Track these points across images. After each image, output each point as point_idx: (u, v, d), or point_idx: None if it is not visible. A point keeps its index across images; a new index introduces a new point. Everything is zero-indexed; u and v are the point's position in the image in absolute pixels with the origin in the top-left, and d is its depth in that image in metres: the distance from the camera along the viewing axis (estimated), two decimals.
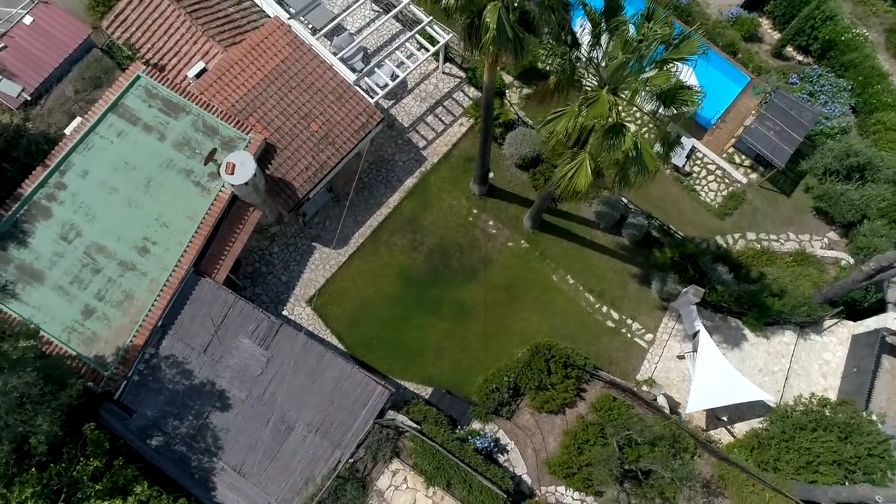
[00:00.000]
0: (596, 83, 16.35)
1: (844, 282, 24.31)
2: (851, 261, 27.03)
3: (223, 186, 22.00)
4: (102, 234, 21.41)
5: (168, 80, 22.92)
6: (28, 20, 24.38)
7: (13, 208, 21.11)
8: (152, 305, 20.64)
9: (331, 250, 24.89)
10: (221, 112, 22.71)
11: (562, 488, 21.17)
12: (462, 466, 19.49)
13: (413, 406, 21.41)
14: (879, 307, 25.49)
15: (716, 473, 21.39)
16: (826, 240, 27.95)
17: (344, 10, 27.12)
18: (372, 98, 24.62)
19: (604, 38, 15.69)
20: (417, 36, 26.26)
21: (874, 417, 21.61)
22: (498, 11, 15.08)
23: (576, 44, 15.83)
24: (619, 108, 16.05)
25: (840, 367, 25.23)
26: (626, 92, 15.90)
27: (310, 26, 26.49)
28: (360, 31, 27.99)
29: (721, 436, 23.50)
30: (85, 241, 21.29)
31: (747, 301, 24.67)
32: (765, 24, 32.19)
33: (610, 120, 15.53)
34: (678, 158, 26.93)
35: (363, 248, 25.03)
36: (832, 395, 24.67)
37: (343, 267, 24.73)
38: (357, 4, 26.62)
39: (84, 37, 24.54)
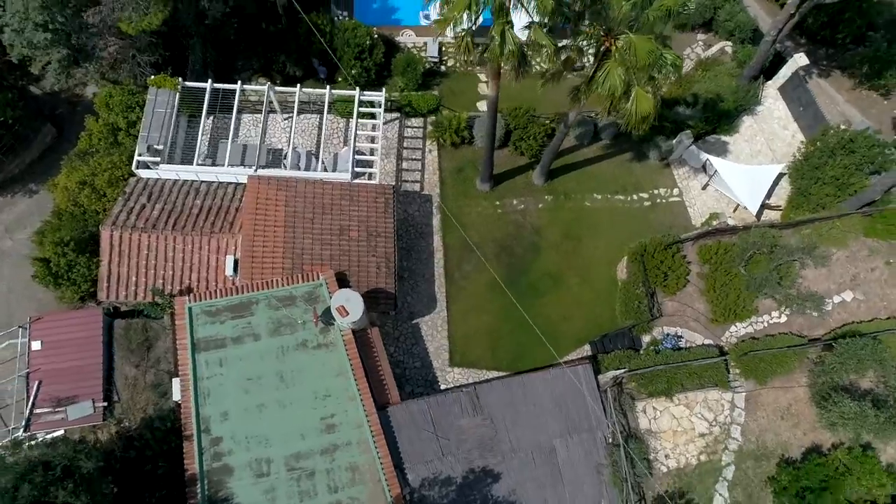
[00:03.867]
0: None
1: (756, 59, 30.17)
2: (730, 43, 33.03)
3: (342, 330, 22.78)
4: (286, 444, 21.56)
5: (212, 290, 22.83)
6: (37, 345, 22.77)
7: (198, 493, 20.62)
8: (380, 459, 21.45)
9: (431, 315, 26.51)
10: (282, 280, 23.15)
11: (734, 327, 25.35)
12: (681, 367, 22.92)
13: (603, 363, 24.23)
14: (779, 60, 31.85)
15: (803, 238, 26.51)
16: (701, 43, 33.88)
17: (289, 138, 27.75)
18: (373, 178, 26.01)
19: None
20: (357, 108, 27.72)
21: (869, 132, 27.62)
22: (503, 28, 17.60)
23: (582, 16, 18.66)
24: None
25: (789, 115, 31.46)
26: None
27: (285, 168, 27.04)
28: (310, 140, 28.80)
29: (778, 213, 28.81)
30: (279, 462, 21.36)
31: (711, 120, 29.88)
32: None
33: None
34: None
35: (450, 294, 26.87)
36: (801, 137, 30.89)
37: (450, 320, 26.49)
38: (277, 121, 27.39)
39: (99, 320, 23.39)
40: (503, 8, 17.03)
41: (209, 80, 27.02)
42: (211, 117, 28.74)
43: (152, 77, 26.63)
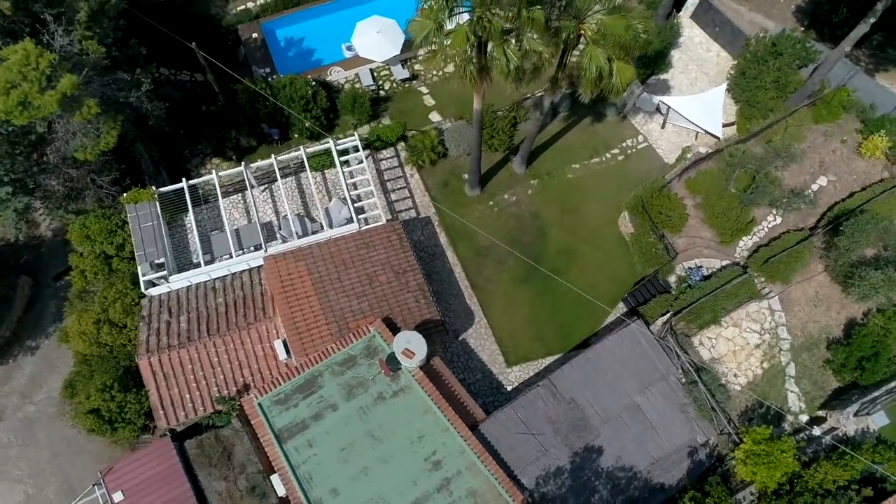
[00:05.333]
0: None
1: None
2: None
3: (410, 371, 23.23)
4: (402, 496, 21.86)
5: (272, 379, 22.75)
6: (118, 497, 22.02)
7: None
8: (493, 476, 22.16)
9: (472, 327, 27.28)
10: (335, 345, 23.30)
11: (742, 242, 27.40)
12: (718, 295, 24.75)
13: (646, 314, 25.74)
14: None
15: (775, 143, 28.74)
16: None
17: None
18: (378, 219, 26.39)
19: None
20: (338, 157, 27.88)
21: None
22: (504, 48, 18.54)
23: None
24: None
25: (708, 38, 33.87)
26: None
27: (286, 241, 26.88)
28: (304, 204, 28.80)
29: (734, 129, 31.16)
30: None
31: (648, 64, 31.85)
32: None
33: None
34: None
35: (482, 301, 27.68)
36: (724, 54, 33.34)
37: (492, 324, 27.33)
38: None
39: (171, 449, 22.81)
40: (502, 30, 17.82)
41: (184, 179, 26.46)
42: (187, 214, 28.16)
43: (124, 195, 25.84)
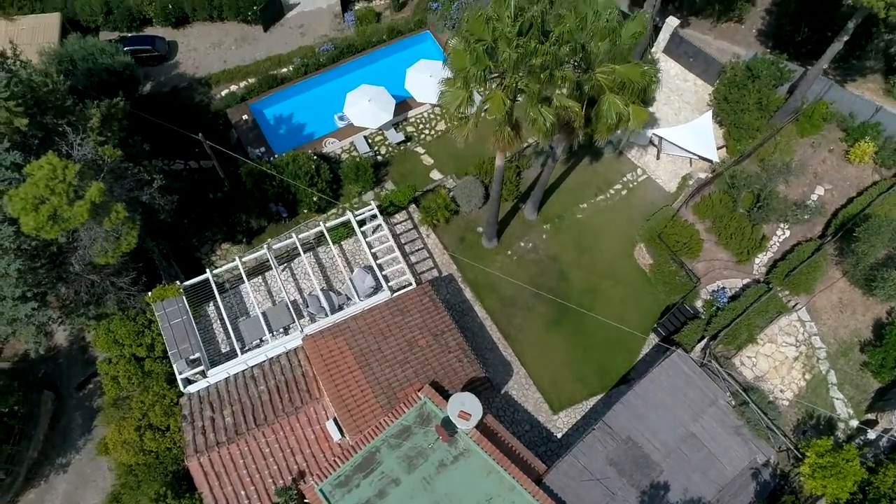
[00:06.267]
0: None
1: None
2: None
3: (467, 433, 23.01)
4: None
5: (328, 462, 22.27)
6: None
7: None
8: None
9: (513, 378, 27.26)
10: (388, 418, 22.99)
11: (758, 259, 28.31)
12: (750, 314, 25.39)
13: (683, 340, 26.17)
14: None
15: (775, 161, 30.00)
16: None
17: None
18: (406, 285, 26.44)
19: None
20: (359, 228, 28.06)
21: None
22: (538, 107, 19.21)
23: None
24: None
25: (683, 69, 35.51)
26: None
27: (316, 319, 26.64)
28: (327, 281, 28.54)
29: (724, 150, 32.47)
30: None
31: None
32: None
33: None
34: None
35: (518, 351, 27.76)
36: (700, 82, 34.95)
37: (531, 373, 27.34)
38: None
39: None
40: (538, 95, 18.47)
41: (208, 270, 26.22)
42: (209, 304, 27.81)
43: (150, 294, 25.41)
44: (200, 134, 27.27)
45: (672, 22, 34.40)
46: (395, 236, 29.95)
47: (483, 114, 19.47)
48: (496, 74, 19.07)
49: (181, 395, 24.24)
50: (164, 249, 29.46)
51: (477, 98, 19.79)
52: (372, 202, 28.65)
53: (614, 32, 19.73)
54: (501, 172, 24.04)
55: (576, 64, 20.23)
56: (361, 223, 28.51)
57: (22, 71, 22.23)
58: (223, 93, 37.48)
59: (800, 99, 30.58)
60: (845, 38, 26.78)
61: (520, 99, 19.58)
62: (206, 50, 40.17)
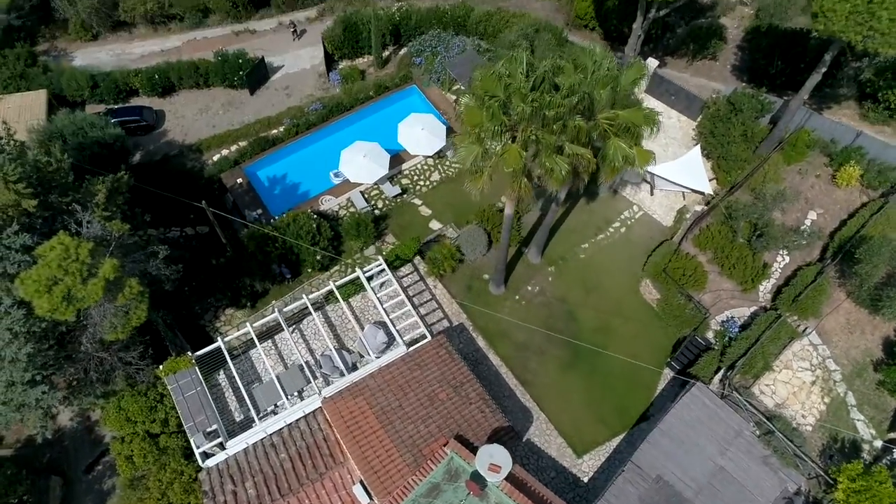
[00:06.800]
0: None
1: None
2: None
3: (498, 485, 22.60)
4: None
5: None
6: None
7: None
8: None
9: (533, 424, 27.01)
10: (415, 478, 22.53)
11: (762, 287, 28.80)
12: (763, 342, 25.68)
13: (699, 372, 26.28)
14: None
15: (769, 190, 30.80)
16: None
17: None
18: (421, 338, 26.30)
19: None
20: (369, 284, 27.92)
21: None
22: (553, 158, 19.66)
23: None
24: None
25: (665, 106, 36.61)
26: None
27: (330, 380, 26.22)
28: (336, 340, 28.21)
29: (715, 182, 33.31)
30: None
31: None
32: None
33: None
34: None
35: (536, 396, 27.58)
36: (684, 118, 36.08)
37: (551, 418, 27.12)
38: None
39: None
40: (553, 145, 18.90)
41: (219, 338, 25.82)
42: (219, 372, 27.29)
43: (161, 368, 24.86)
44: (203, 201, 27.21)
45: (652, 63, 35.63)
46: (404, 289, 29.86)
47: (491, 165, 19.78)
48: (508, 128, 19.51)
49: (200, 469, 23.50)
50: (167, 320, 28.99)
51: (490, 149, 20.16)
52: (380, 257, 28.63)
53: (615, 80, 20.44)
54: (511, 220, 24.35)
55: (581, 112, 20.81)
56: (369, 278, 28.42)
57: (29, 152, 22.10)
58: (215, 157, 37.60)
59: (783, 129, 31.66)
60: (823, 70, 27.96)
61: (530, 149, 20.00)
62: (194, 116, 40.43)
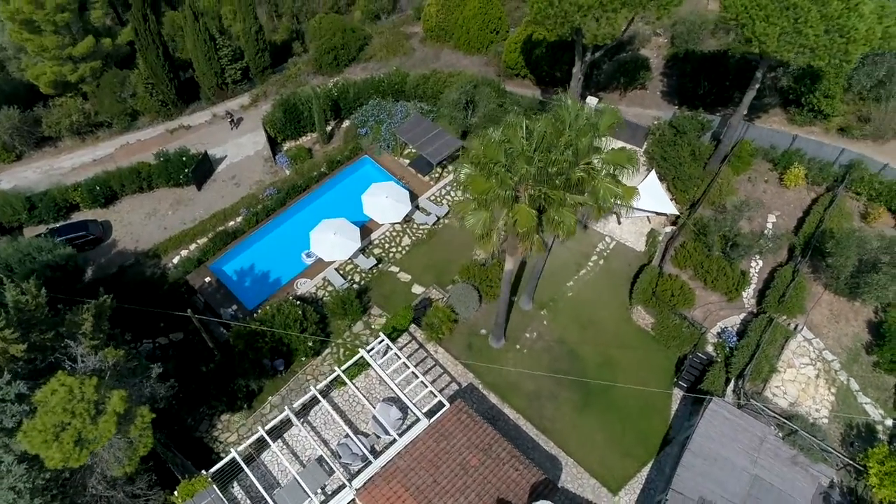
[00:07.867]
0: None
1: None
2: None
3: None
4: None
5: None
6: None
7: None
8: None
9: (563, 470, 26.75)
10: None
11: (745, 293, 30.11)
12: (764, 346, 26.74)
13: (709, 387, 26.94)
14: None
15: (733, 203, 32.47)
16: None
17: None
18: (442, 406, 25.82)
19: None
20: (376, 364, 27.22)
21: None
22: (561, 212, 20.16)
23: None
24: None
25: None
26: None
27: (352, 469, 25.19)
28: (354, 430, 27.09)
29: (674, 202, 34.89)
30: None
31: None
32: None
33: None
34: None
35: (559, 441, 27.38)
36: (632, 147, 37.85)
37: (579, 461, 26.98)
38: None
39: None
40: (560, 200, 19.34)
41: (232, 449, 24.44)
42: (233, 484, 25.76)
43: (175, 494, 23.23)
44: (189, 310, 26.08)
45: (592, 101, 37.39)
46: (408, 360, 29.34)
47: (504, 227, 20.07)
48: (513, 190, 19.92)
49: None
50: (161, 439, 27.26)
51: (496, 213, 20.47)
52: (381, 334, 28.12)
53: (595, 127, 21.34)
54: (511, 275, 24.59)
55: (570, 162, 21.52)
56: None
57: (6, 293, 20.65)
58: (174, 260, 36.21)
59: (727, 143, 33.76)
60: (757, 86, 30.19)
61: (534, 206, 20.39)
62: (143, 221, 38.97)
